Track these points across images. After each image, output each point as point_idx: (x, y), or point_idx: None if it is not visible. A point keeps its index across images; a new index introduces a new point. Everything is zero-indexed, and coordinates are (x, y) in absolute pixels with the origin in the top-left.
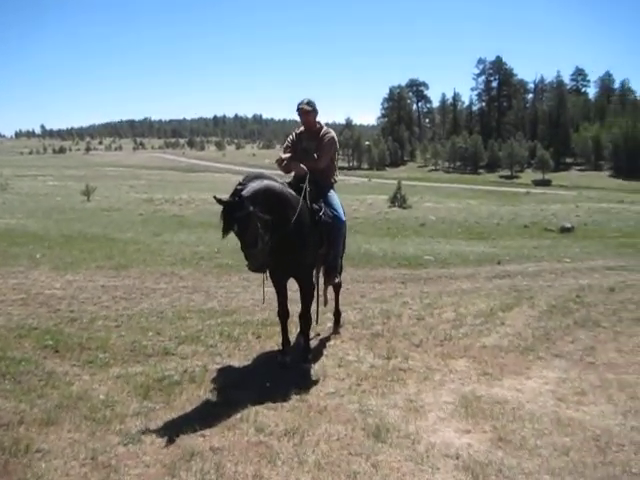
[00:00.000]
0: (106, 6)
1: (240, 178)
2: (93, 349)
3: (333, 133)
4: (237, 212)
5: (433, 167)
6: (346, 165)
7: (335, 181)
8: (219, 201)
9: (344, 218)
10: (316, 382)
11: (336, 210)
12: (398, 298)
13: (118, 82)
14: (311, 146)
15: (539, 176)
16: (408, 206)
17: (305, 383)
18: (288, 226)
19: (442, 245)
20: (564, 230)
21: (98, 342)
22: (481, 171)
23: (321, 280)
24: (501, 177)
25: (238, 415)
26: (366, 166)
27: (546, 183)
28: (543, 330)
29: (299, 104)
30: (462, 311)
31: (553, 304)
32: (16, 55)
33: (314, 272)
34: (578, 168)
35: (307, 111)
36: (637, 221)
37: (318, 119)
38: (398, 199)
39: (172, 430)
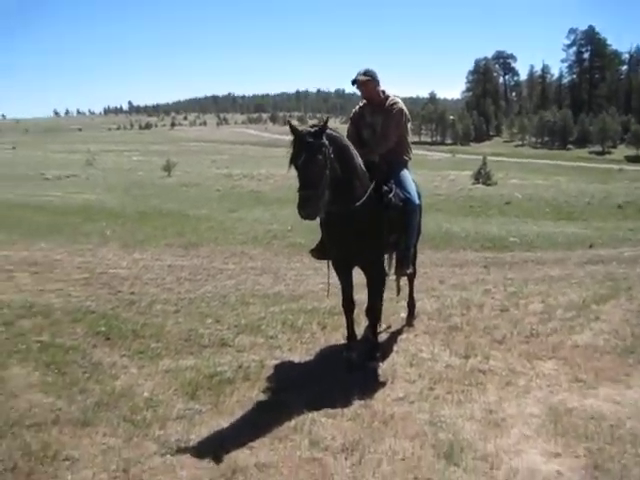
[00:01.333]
0: None
1: None
2: (147, 337)
3: (401, 103)
4: (310, 140)
5: (520, 142)
6: (429, 140)
7: (409, 158)
8: (293, 128)
9: (418, 201)
10: (383, 384)
11: (409, 192)
12: (480, 285)
13: (202, 58)
14: (377, 120)
15: (633, 152)
16: (493, 183)
17: (371, 385)
18: (351, 204)
19: (529, 226)
20: None
21: (153, 329)
22: (570, 147)
23: (392, 269)
24: (591, 153)
25: (292, 423)
26: (450, 141)
27: None
28: None
29: (354, 77)
30: (551, 302)
31: None
32: (104, 34)
33: (384, 260)
34: None
35: (365, 81)
36: None
37: (382, 88)
38: (482, 175)
39: (216, 440)
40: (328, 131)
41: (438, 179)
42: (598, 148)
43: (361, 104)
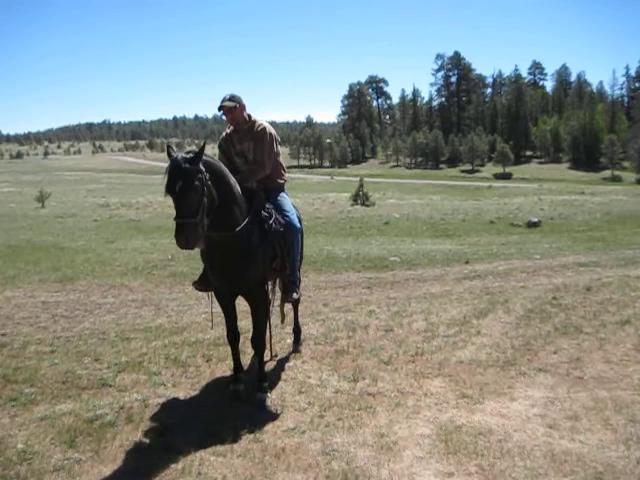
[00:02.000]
0: (57, 7)
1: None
2: (19, 382)
3: (269, 126)
4: (186, 166)
5: (395, 163)
6: (308, 163)
7: (285, 180)
8: (169, 153)
9: (299, 225)
10: (273, 415)
11: (289, 217)
12: (364, 306)
13: (75, 85)
14: (247, 147)
15: (500, 170)
16: (371, 203)
17: (260, 417)
18: (230, 230)
19: (407, 244)
20: (531, 225)
21: (26, 373)
22: (442, 166)
23: (277, 295)
24: (463, 171)
25: (179, 465)
26: (328, 164)
27: (507, 176)
28: (522, 339)
29: (220, 104)
30: (433, 319)
31: (529, 308)
32: None
33: (268, 287)
34: (538, 161)
35: (231, 108)
36: (602, 213)
37: (248, 113)
38: (360, 197)
39: None
40: (204, 157)
41: (318, 202)
42: (468, 167)
43: (228, 131)
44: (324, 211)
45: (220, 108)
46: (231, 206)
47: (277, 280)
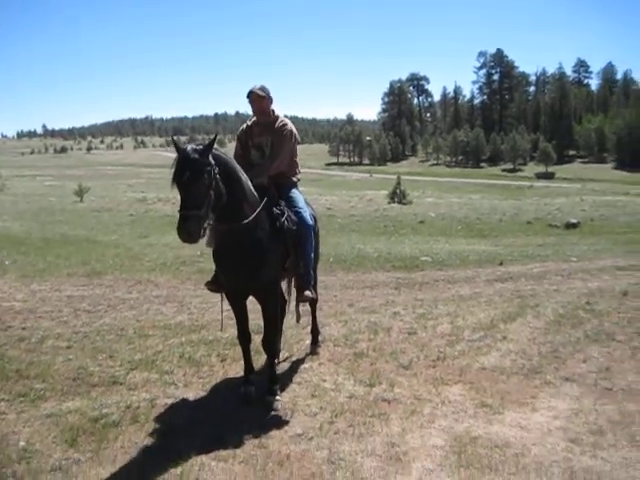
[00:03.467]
0: (106, 4)
1: None
2: (31, 378)
3: (291, 124)
4: (195, 157)
5: (435, 161)
6: (347, 161)
7: (298, 179)
8: (176, 145)
9: (311, 222)
10: (282, 420)
11: (301, 213)
12: (389, 307)
13: (119, 81)
14: (265, 141)
15: (542, 169)
16: (408, 202)
17: (268, 422)
18: (237, 221)
19: (441, 244)
20: (569, 226)
21: (39, 368)
22: (483, 165)
23: (293, 294)
24: (504, 170)
25: (178, 470)
26: (367, 162)
27: (549, 176)
28: (550, 346)
29: (250, 89)
30: (459, 323)
31: (561, 313)
32: (18, 55)
33: (282, 287)
34: (581, 160)
35: (260, 97)
36: None
37: (273, 107)
38: (398, 195)
39: None
40: (215, 151)
41: (355, 199)
42: (510, 166)
43: (249, 123)
44: (360, 209)
45: (249, 94)
46: (240, 202)
47: (292, 279)
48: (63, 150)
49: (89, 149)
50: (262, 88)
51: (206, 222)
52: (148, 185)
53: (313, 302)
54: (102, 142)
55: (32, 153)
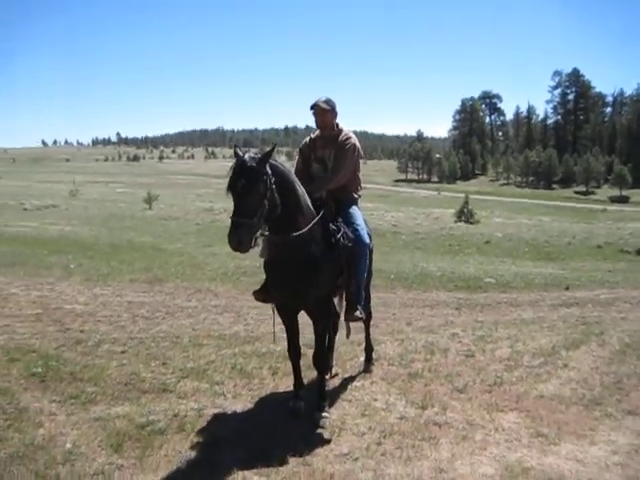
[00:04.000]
0: (182, 15)
1: None
2: (84, 380)
3: (355, 138)
4: (252, 166)
5: (505, 181)
6: (416, 178)
7: (359, 196)
8: (236, 152)
9: (368, 240)
10: (329, 438)
11: (358, 231)
12: (448, 328)
13: (192, 91)
14: (328, 154)
15: (616, 192)
16: (475, 221)
17: (314, 439)
18: (290, 233)
19: (506, 265)
20: None
21: (93, 372)
22: (555, 186)
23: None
24: (576, 193)
25: None
26: (436, 179)
27: (624, 200)
28: (614, 377)
29: (315, 102)
30: (519, 347)
31: (627, 342)
32: (93, 62)
33: (332, 304)
34: None
35: (324, 110)
36: None
37: (337, 121)
38: (465, 214)
39: None
40: (272, 161)
41: (422, 217)
42: (582, 188)
43: (312, 136)
44: (425, 227)
45: (313, 107)
46: (294, 215)
47: (344, 295)
48: (136, 158)
49: (161, 158)
50: (327, 101)
51: (258, 232)
52: (216, 195)
53: (367, 319)
54: (174, 152)
55: (106, 160)
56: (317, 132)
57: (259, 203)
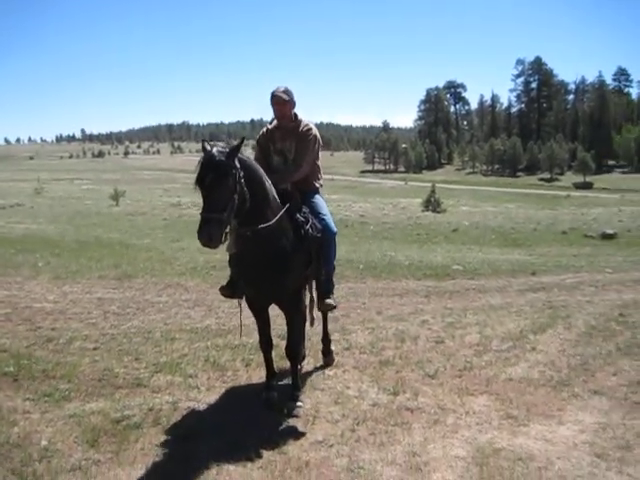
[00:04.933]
0: (145, 10)
1: None
2: (57, 378)
3: (315, 128)
4: (221, 160)
5: (471, 170)
6: (383, 168)
7: (321, 185)
8: (204, 147)
9: (335, 229)
10: (303, 426)
11: (325, 220)
12: (417, 316)
13: (156, 86)
14: (288, 146)
15: (580, 179)
16: (442, 210)
17: (289, 428)
18: (256, 226)
19: (473, 253)
20: (606, 236)
21: (65, 369)
22: (520, 174)
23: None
24: (541, 180)
25: (195, 473)
26: (403, 169)
27: (587, 186)
28: (580, 358)
29: (274, 91)
30: (488, 332)
31: (592, 325)
32: (56, 60)
33: (303, 295)
34: (620, 170)
35: (284, 101)
36: None
37: (295, 111)
38: (432, 203)
39: None
40: (240, 155)
41: (389, 207)
42: (547, 175)
43: (270, 127)
44: (392, 217)
45: (273, 96)
46: (263, 207)
47: (312, 285)
48: (101, 154)
49: (126, 154)
50: (286, 91)
51: (228, 227)
52: (183, 190)
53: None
54: (139, 147)
55: (70, 157)
56: (274, 123)
57: (229, 198)
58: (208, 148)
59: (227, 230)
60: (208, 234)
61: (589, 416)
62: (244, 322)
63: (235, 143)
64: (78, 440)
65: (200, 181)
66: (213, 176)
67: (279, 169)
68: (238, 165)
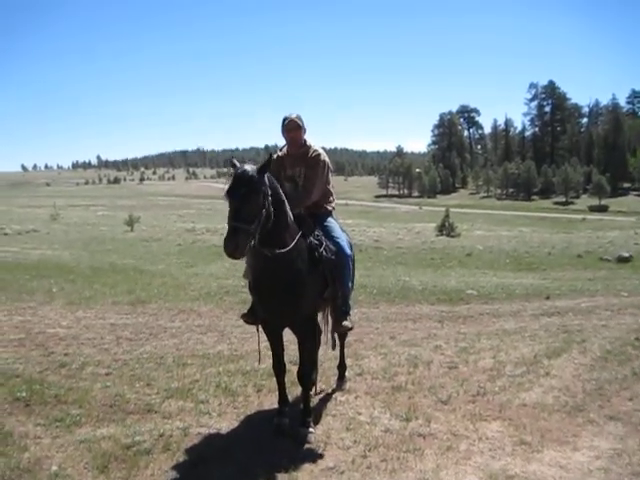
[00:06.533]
0: (160, 36)
1: None
2: (69, 403)
3: (323, 153)
4: (253, 175)
5: (485, 194)
6: (397, 193)
7: (333, 208)
8: (233, 163)
9: (349, 251)
10: (314, 452)
11: (339, 243)
12: (431, 341)
13: (171, 113)
14: (298, 172)
15: (595, 202)
16: (456, 234)
17: (300, 454)
18: (277, 249)
19: (488, 277)
20: (621, 260)
21: (77, 394)
22: (534, 197)
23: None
24: (555, 203)
25: None
26: (417, 194)
27: (603, 209)
28: (595, 383)
29: (286, 117)
30: (502, 357)
31: (608, 349)
32: (73, 87)
33: (316, 320)
34: (636, 193)
35: (298, 126)
36: None
37: (305, 137)
38: (446, 227)
39: None
40: (268, 174)
41: (403, 231)
42: (562, 199)
43: (280, 153)
44: (407, 241)
45: (287, 122)
46: (282, 229)
47: (328, 309)
48: (116, 181)
49: (142, 180)
50: (299, 117)
51: (253, 240)
52: (198, 216)
53: (343, 334)
54: (154, 173)
55: (86, 184)
56: (284, 149)
57: (258, 211)
58: (238, 164)
59: (251, 243)
60: (235, 244)
61: (605, 442)
62: (257, 347)
63: (265, 160)
64: (88, 466)
65: (232, 194)
66: (245, 190)
67: (290, 195)
68: (267, 182)
